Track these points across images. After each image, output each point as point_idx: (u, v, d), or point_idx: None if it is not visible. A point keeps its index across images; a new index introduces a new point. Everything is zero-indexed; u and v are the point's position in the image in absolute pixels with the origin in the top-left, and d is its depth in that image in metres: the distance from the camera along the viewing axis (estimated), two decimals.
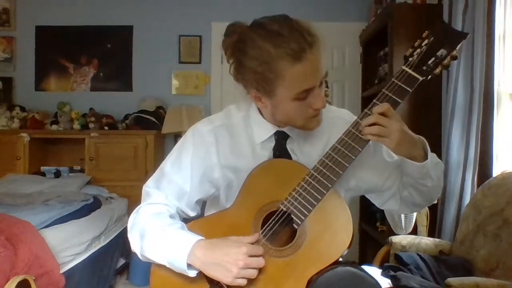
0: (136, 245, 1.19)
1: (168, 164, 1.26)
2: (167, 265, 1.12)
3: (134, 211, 1.24)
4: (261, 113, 1.23)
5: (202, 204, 1.36)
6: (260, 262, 1.06)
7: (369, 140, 1.10)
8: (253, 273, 1.06)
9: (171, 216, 1.22)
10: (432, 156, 1.16)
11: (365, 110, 1.11)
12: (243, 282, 1.05)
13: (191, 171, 1.23)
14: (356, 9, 4.12)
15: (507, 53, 2.34)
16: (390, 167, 1.26)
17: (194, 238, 1.11)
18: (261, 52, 1.06)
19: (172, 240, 1.12)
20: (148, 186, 1.27)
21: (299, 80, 1.07)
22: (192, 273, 1.10)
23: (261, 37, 1.07)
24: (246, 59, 1.09)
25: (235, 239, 1.09)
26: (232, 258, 1.04)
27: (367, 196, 1.36)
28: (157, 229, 1.15)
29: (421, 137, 1.16)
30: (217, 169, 1.23)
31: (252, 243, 1.09)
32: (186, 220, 1.26)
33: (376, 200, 1.34)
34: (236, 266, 1.04)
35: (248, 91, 1.16)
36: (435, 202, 1.31)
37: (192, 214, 1.28)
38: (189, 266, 1.09)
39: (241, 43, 1.10)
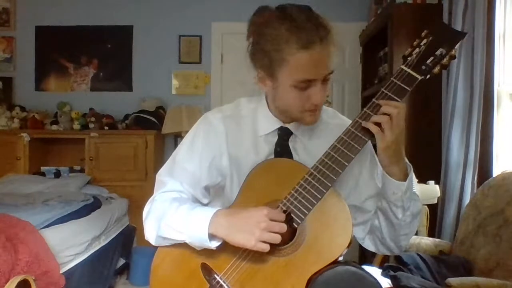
0: (152, 228, 1.18)
1: (180, 152, 1.28)
2: (187, 240, 1.12)
3: (149, 200, 1.25)
4: (268, 108, 1.25)
5: None
6: (282, 226, 1.05)
7: (368, 140, 1.10)
8: (275, 237, 1.04)
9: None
10: (411, 188, 1.14)
11: (364, 109, 1.11)
12: (266, 247, 1.04)
13: (200, 157, 1.25)
14: (356, 9, 4.12)
15: (507, 53, 2.34)
16: (375, 190, 1.24)
17: (213, 209, 1.12)
18: (274, 33, 1.09)
19: (191, 213, 1.12)
20: (161, 175, 1.28)
21: (301, 68, 1.09)
22: (214, 244, 1.09)
23: (278, 19, 1.10)
24: (260, 37, 1.13)
25: (254, 207, 1.08)
26: (254, 220, 1.04)
27: None
28: (175, 208, 1.16)
29: (409, 163, 1.15)
30: (225, 158, 1.25)
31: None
32: None
33: None
34: (258, 228, 1.03)
35: (256, 71, 1.18)
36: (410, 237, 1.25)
37: (205, 201, 1.29)
38: (211, 237, 1.09)
39: (263, 24, 1.13)
